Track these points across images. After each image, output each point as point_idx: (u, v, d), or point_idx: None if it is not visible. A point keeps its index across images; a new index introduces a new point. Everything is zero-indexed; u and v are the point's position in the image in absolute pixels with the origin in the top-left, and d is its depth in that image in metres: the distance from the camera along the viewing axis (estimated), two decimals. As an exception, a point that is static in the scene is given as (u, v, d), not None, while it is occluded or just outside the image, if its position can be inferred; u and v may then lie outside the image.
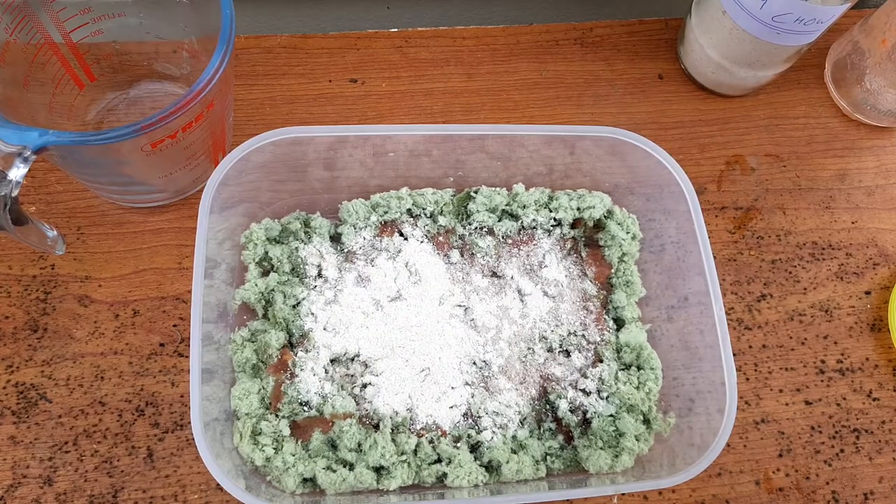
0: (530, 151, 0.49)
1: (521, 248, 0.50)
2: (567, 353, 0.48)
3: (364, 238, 0.49)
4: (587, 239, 0.52)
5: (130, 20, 0.48)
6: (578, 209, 0.50)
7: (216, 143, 0.48)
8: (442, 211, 0.50)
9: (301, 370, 0.45)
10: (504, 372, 0.47)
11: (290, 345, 0.46)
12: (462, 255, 0.50)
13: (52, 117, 0.49)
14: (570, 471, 0.46)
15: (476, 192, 0.50)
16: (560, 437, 0.46)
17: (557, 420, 0.46)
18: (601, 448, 0.44)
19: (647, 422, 0.45)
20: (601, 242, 0.51)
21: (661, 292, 0.49)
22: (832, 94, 0.60)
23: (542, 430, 0.46)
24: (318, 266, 0.48)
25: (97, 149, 0.40)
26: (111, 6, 0.46)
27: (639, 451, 0.44)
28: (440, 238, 0.50)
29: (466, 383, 0.46)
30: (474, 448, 0.45)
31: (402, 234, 0.50)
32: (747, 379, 0.51)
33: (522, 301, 0.49)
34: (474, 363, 0.47)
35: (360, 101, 0.57)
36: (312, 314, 0.46)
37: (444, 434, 0.44)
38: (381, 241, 0.49)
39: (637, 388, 0.46)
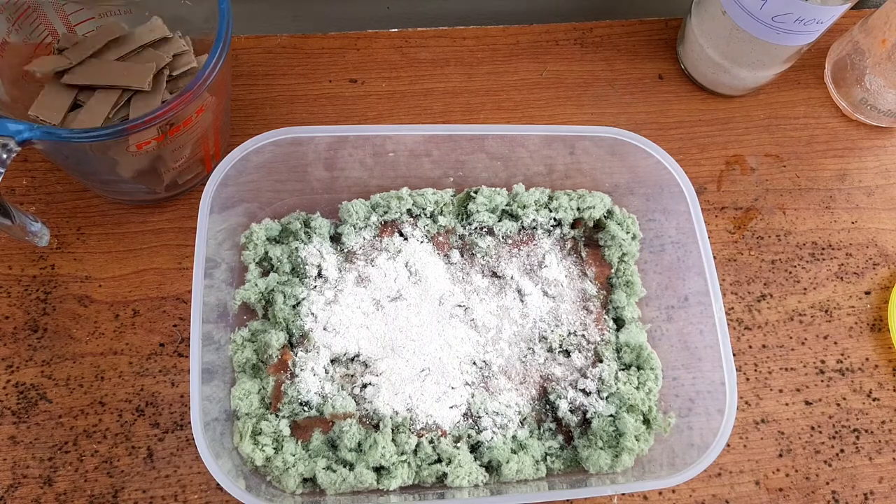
0: (530, 151, 0.49)
1: (521, 248, 0.50)
2: (567, 353, 0.48)
3: (364, 238, 0.49)
4: (587, 239, 0.52)
5: (137, 17, 0.48)
6: (578, 209, 0.50)
7: (207, 145, 0.48)
8: (442, 211, 0.50)
9: (301, 370, 0.45)
10: (504, 372, 0.47)
11: (291, 345, 0.46)
12: (462, 255, 0.50)
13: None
14: (570, 471, 0.46)
15: (476, 192, 0.50)
16: (560, 437, 0.46)
17: (557, 420, 0.46)
18: (601, 448, 0.44)
19: (647, 422, 0.45)
20: (601, 242, 0.51)
21: (661, 292, 0.49)
22: (832, 94, 0.60)
23: (542, 430, 0.46)
24: (319, 266, 0.48)
25: (83, 146, 0.40)
26: (120, 2, 0.46)
27: (639, 451, 0.44)
28: (440, 238, 0.50)
29: (466, 383, 0.46)
30: (474, 448, 0.45)
31: (402, 234, 0.50)
32: (747, 379, 0.51)
33: (522, 301, 0.49)
34: (474, 363, 0.47)
35: (360, 101, 0.57)
36: (312, 314, 0.46)
37: (444, 434, 0.44)
38: (381, 241, 0.49)
39: (637, 388, 0.46)
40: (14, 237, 0.47)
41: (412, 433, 0.44)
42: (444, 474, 0.43)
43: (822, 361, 0.52)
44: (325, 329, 0.46)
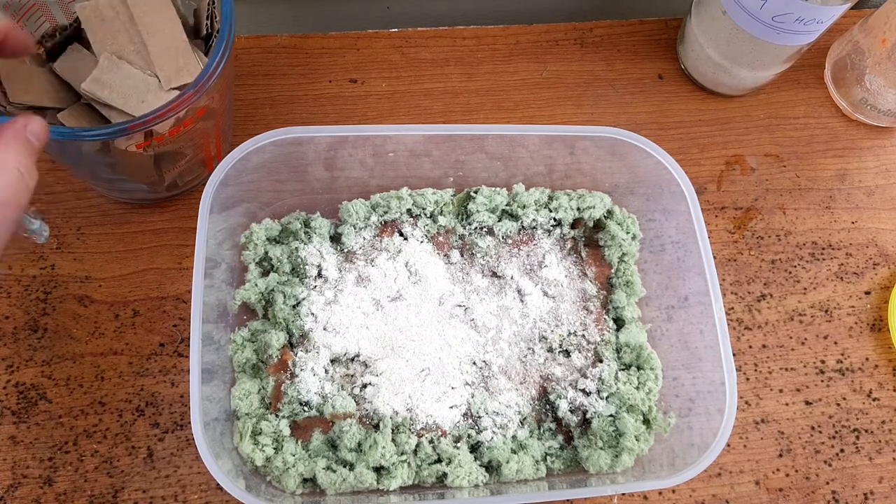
0: (530, 151, 0.49)
1: (521, 248, 0.50)
2: (567, 353, 0.48)
3: (364, 238, 0.49)
4: (587, 239, 0.52)
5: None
6: (578, 209, 0.50)
7: (209, 147, 0.48)
8: (442, 211, 0.50)
9: (301, 370, 0.45)
10: (504, 372, 0.47)
11: (290, 345, 0.46)
12: (462, 255, 0.50)
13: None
14: (570, 471, 0.46)
15: (476, 192, 0.50)
16: (560, 437, 0.46)
17: (557, 420, 0.46)
18: (601, 448, 0.44)
19: (647, 422, 0.45)
20: (601, 242, 0.51)
21: (661, 292, 0.49)
22: (832, 94, 0.60)
23: (542, 430, 0.46)
24: (318, 266, 0.48)
25: (83, 144, 0.39)
26: None
27: (639, 451, 0.44)
28: (440, 238, 0.50)
29: (466, 383, 0.46)
30: (474, 448, 0.45)
31: (402, 234, 0.50)
32: (747, 379, 0.51)
33: (522, 301, 0.49)
34: (474, 363, 0.47)
35: (360, 101, 0.57)
36: (312, 314, 0.46)
37: (444, 434, 0.44)
38: (381, 241, 0.49)
39: (637, 388, 0.46)
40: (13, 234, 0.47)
41: (412, 433, 0.44)
42: (444, 474, 0.43)
43: (822, 361, 0.52)
44: (325, 329, 0.46)
